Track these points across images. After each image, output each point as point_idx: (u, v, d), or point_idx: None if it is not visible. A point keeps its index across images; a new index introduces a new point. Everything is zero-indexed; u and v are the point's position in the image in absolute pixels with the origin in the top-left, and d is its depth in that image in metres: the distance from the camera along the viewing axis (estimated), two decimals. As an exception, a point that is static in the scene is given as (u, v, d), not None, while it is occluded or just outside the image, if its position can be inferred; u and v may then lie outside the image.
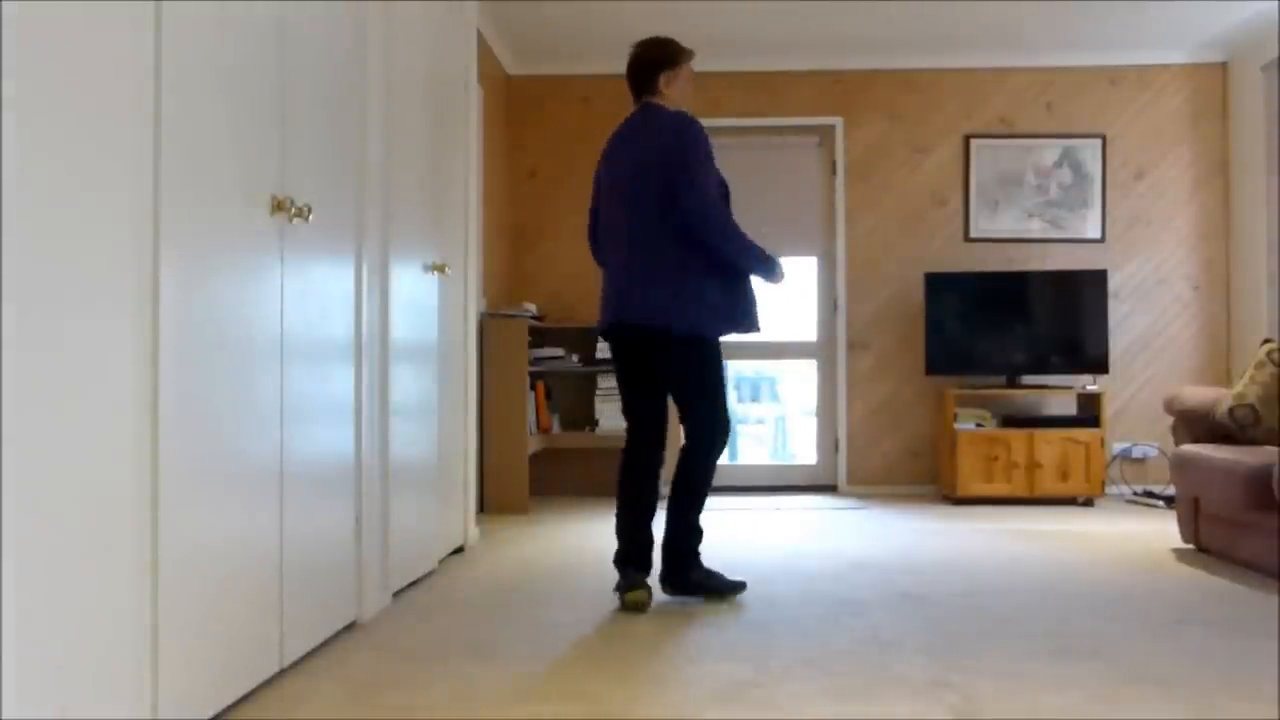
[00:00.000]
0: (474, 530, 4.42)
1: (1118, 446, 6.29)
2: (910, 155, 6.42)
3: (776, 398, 7.28)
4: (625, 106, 5.93)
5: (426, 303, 3.75)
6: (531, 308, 5.68)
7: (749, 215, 6.35)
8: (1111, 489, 6.25)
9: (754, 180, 6.43)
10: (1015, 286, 6.03)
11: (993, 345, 6.02)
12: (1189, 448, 4.18)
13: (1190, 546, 4.34)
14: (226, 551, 2.18)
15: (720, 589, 3.35)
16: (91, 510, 1.69)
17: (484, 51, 5.75)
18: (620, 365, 3.44)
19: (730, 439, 3.41)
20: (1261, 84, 5.94)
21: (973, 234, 6.37)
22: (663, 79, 3.41)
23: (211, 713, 2.12)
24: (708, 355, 3.31)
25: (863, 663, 2.61)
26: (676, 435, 5.61)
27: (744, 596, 3.40)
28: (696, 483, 3.34)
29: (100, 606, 1.72)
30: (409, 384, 3.50)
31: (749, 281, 3.37)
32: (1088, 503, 5.81)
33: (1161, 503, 5.73)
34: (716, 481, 6.34)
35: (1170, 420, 5.66)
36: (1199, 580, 3.66)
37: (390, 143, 3.30)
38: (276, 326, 2.42)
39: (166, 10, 1.92)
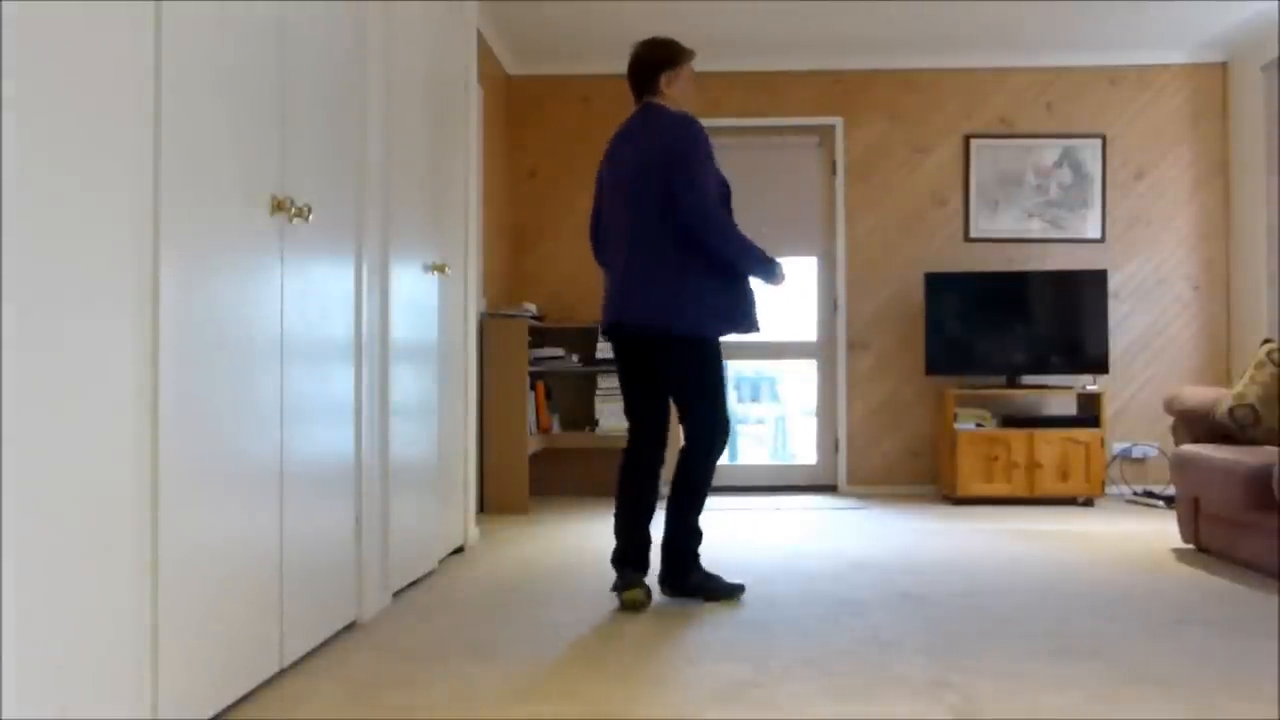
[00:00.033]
0: (474, 530, 4.42)
1: (1118, 446, 6.29)
2: (910, 155, 6.42)
3: (776, 398, 7.28)
4: (626, 106, 5.92)
5: (426, 303, 3.75)
6: (531, 308, 5.68)
7: (749, 215, 6.35)
8: (1111, 489, 6.25)
9: (754, 180, 6.43)
10: (1015, 286, 6.03)
11: (993, 345, 6.02)
12: (1189, 448, 4.18)
13: (1190, 546, 4.34)
14: (226, 551, 2.18)
15: (719, 592, 3.35)
16: (91, 510, 1.69)
17: (484, 51, 5.75)
18: (622, 365, 3.44)
19: (730, 439, 3.41)
20: (1261, 84, 5.94)
21: (973, 234, 6.37)
22: (664, 79, 3.41)
23: (211, 713, 2.12)
24: (707, 355, 3.31)
25: (863, 663, 2.61)
26: (676, 436, 5.61)
27: (744, 596, 3.40)
28: (696, 483, 3.33)
29: (100, 606, 1.72)
30: (409, 384, 3.50)
31: (749, 282, 3.37)
32: (1088, 503, 5.81)
33: (1161, 503, 5.73)
34: (716, 481, 6.33)
35: (1170, 420, 5.65)
36: (1199, 580, 3.66)
37: (390, 143, 3.30)
38: (276, 326, 2.42)
39: (166, 10, 1.92)
